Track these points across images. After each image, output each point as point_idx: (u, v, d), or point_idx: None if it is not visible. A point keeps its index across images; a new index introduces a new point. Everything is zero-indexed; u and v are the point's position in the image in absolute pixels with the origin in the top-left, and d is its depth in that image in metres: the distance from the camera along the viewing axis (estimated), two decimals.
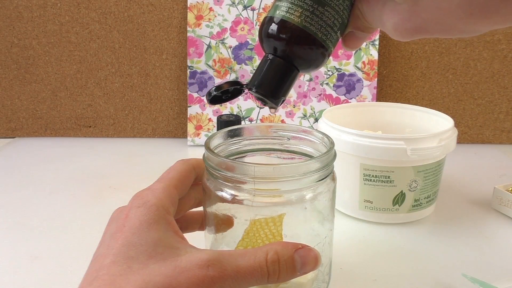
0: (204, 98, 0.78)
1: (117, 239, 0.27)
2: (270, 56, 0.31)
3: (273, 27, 0.30)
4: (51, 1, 0.76)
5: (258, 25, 0.77)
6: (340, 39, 0.31)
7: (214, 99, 0.33)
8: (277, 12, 0.30)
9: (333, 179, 0.36)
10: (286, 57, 0.30)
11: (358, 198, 0.52)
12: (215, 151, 0.36)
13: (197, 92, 0.78)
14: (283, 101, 0.32)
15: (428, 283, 0.42)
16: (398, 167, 0.49)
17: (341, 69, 0.78)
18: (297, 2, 0.29)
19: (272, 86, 0.31)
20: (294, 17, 0.29)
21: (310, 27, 0.29)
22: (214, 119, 0.79)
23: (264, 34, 0.30)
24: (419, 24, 0.24)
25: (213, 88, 0.32)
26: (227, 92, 0.33)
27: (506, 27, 0.21)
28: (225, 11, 0.77)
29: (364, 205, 0.52)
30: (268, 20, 0.30)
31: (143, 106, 0.82)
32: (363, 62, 0.77)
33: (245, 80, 0.77)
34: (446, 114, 0.56)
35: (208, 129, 0.79)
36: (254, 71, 0.32)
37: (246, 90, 0.33)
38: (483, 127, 0.81)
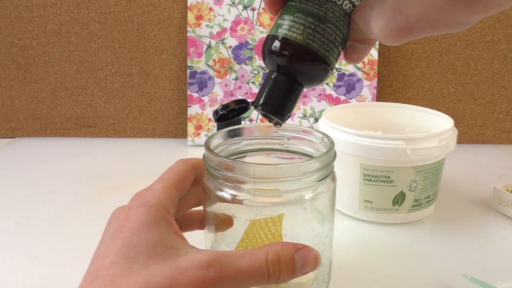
0: (204, 99, 0.78)
1: (117, 239, 0.27)
2: (274, 74, 0.31)
3: (276, 44, 0.30)
4: (51, 1, 0.76)
5: (258, 25, 0.77)
6: (341, 54, 0.31)
7: (221, 118, 0.34)
8: (279, 30, 0.30)
9: (333, 179, 0.36)
10: (290, 74, 0.31)
11: (358, 198, 0.52)
12: (215, 151, 0.36)
13: (197, 92, 0.78)
14: (289, 116, 0.33)
15: (428, 283, 0.42)
16: (398, 167, 0.49)
17: (341, 69, 0.78)
18: (299, 20, 0.29)
19: (277, 103, 0.31)
20: (296, 35, 0.29)
21: (312, 44, 0.29)
22: None
23: (267, 52, 0.31)
24: (404, 23, 0.24)
25: (220, 107, 0.33)
26: (233, 110, 0.34)
27: (490, 15, 0.21)
28: (225, 11, 0.77)
29: (364, 205, 0.52)
30: (271, 38, 0.30)
31: (143, 106, 0.82)
32: (363, 62, 0.77)
33: (245, 79, 0.77)
34: (446, 114, 0.56)
35: (208, 129, 0.79)
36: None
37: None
38: (483, 127, 0.81)
